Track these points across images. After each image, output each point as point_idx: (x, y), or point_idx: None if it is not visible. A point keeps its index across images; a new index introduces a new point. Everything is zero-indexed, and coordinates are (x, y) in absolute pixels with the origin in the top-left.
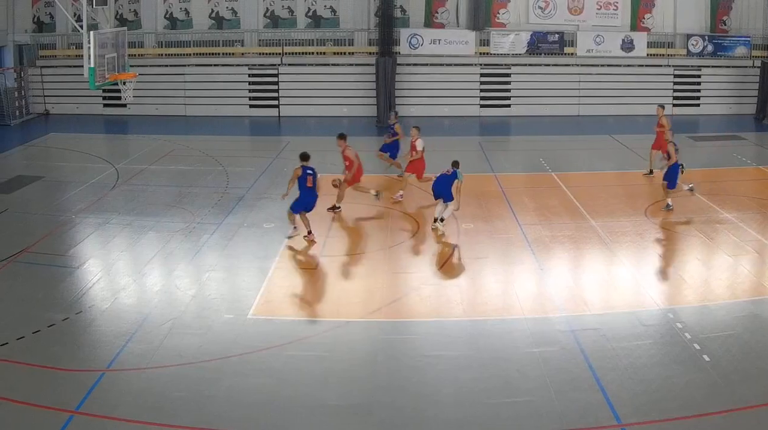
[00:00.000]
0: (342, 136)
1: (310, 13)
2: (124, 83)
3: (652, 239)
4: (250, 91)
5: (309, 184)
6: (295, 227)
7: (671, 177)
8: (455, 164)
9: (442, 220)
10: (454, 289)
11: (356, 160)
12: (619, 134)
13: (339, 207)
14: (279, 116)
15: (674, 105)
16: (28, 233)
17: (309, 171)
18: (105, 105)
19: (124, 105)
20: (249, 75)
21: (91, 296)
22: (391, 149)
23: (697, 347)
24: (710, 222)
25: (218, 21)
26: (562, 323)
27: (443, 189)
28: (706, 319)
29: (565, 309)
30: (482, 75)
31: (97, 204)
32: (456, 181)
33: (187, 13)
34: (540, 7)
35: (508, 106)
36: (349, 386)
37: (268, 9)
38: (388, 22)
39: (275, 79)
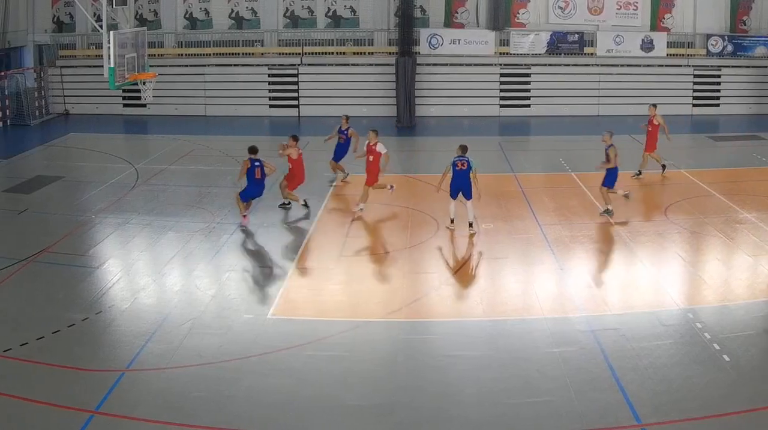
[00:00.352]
0: (295, 138)
1: (330, 13)
2: (144, 83)
3: (671, 238)
4: (270, 91)
5: (257, 176)
6: (245, 215)
7: (612, 180)
8: (464, 150)
9: (470, 224)
10: (474, 289)
11: (299, 162)
12: (639, 135)
13: (289, 204)
14: (299, 116)
15: (694, 105)
16: (47, 233)
17: (257, 163)
18: (125, 105)
19: (144, 105)
20: (269, 75)
21: (110, 296)
22: (339, 153)
23: (717, 347)
24: (730, 222)
25: (238, 21)
26: (582, 323)
27: (464, 184)
28: (726, 319)
29: (585, 309)
30: (502, 75)
31: (117, 204)
32: (471, 171)
33: (207, 13)
34: (560, 7)
35: (528, 106)
36: (369, 386)
37: (287, 9)
38: (407, 22)
39: (295, 79)
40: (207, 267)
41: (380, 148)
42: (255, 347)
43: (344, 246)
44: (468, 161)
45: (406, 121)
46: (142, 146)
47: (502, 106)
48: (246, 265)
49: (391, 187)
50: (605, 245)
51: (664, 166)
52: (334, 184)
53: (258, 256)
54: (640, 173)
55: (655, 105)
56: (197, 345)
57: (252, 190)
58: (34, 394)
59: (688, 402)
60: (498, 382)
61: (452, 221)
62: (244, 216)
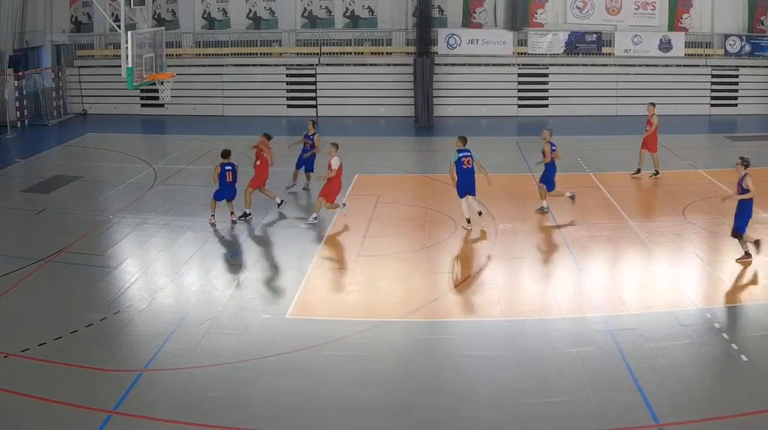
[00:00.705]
0: (268, 136)
1: (348, 13)
2: (162, 83)
3: (689, 238)
4: (288, 91)
5: (229, 179)
6: (213, 215)
7: (548, 179)
8: (464, 142)
9: (480, 213)
10: (491, 289)
11: (269, 163)
12: (657, 134)
13: (249, 214)
14: (317, 116)
15: (712, 105)
16: (65, 233)
17: (228, 167)
18: (142, 105)
19: (162, 105)
20: (287, 75)
21: (128, 296)
22: (307, 162)
23: (735, 347)
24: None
25: (256, 21)
26: (600, 323)
27: (472, 182)
28: (744, 319)
29: (603, 309)
30: (520, 75)
31: (135, 204)
32: (475, 161)
33: (225, 13)
34: (578, 7)
35: (546, 106)
36: (386, 386)
37: (305, 9)
38: (425, 22)
39: (313, 79)
40: (225, 267)
41: (334, 162)
42: (273, 348)
43: (362, 246)
44: (471, 156)
45: (424, 122)
46: (160, 146)
47: (520, 106)
48: (264, 265)
49: (316, 217)
50: (623, 245)
51: (638, 170)
52: (289, 189)
53: (275, 256)
54: (657, 173)
55: (653, 104)
56: (215, 345)
57: (223, 193)
58: (52, 394)
59: (706, 402)
60: (516, 382)
61: (468, 221)
62: (213, 215)
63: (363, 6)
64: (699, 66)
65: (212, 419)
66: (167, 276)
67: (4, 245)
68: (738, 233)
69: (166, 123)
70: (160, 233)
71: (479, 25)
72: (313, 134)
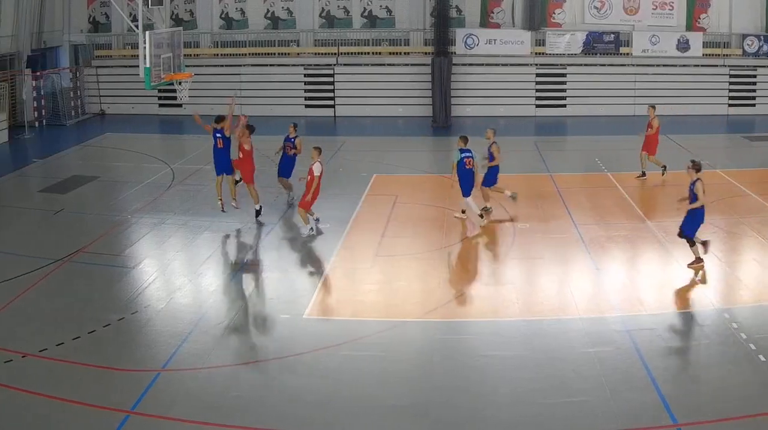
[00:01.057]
0: (250, 128)
1: (366, 13)
2: (180, 83)
3: (707, 239)
4: (306, 91)
5: (220, 145)
6: (221, 199)
7: (493, 178)
8: (465, 141)
9: (464, 211)
10: (509, 289)
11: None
12: (675, 134)
13: (260, 208)
14: (335, 116)
15: (730, 105)
16: (83, 233)
17: (218, 134)
18: (160, 105)
19: (180, 105)
20: (305, 75)
21: (146, 296)
22: (286, 168)
23: (753, 347)
24: (766, 222)
25: (274, 21)
26: (618, 323)
27: (474, 181)
28: (762, 319)
29: (621, 309)
30: (538, 75)
31: (153, 204)
32: (475, 161)
33: (243, 13)
34: (596, 7)
35: (564, 106)
36: (405, 385)
37: (323, 9)
38: (443, 22)
39: (331, 79)
40: (243, 267)
41: (316, 168)
42: (291, 348)
43: (380, 246)
44: (473, 157)
45: (441, 121)
46: (178, 146)
47: (538, 106)
48: (282, 265)
49: (317, 219)
50: (641, 245)
51: (643, 173)
52: (290, 201)
53: (294, 256)
54: (665, 168)
55: (653, 106)
56: (233, 345)
57: (219, 162)
58: (69, 394)
59: (723, 402)
60: (534, 382)
61: (482, 217)
62: (220, 199)
63: (381, 6)
64: (717, 66)
65: (230, 419)
66: (185, 276)
67: (23, 245)
68: (686, 236)
69: (184, 123)
70: (177, 232)
71: (497, 25)
72: (295, 137)
